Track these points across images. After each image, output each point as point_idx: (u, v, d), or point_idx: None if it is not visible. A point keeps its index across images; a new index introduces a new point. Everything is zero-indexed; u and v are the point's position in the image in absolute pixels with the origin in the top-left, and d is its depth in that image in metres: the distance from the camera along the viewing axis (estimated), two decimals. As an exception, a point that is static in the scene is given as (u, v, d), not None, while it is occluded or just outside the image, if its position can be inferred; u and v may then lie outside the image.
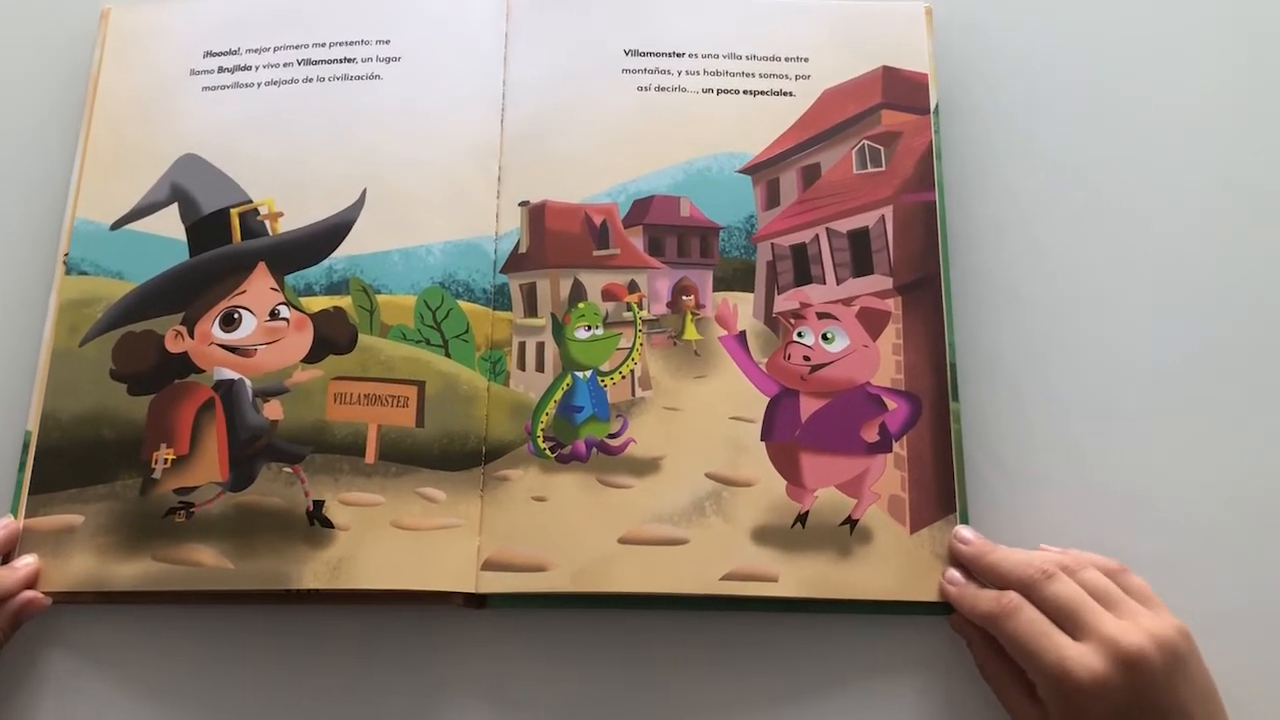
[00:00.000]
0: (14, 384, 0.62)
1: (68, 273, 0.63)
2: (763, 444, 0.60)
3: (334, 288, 0.63)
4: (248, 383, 0.61)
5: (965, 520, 0.59)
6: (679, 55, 0.67)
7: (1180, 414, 0.63)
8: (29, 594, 0.56)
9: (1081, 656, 0.50)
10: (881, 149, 0.65)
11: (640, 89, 0.67)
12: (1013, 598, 0.54)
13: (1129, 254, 0.66)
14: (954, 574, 0.57)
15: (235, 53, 0.67)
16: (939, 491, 0.60)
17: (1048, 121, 0.69)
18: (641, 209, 0.64)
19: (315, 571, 0.57)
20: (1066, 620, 0.52)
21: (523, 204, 0.64)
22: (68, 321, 0.62)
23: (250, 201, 0.64)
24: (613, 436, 0.60)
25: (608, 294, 0.63)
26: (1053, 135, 0.68)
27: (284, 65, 0.67)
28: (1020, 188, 0.67)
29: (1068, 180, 0.67)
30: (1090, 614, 0.52)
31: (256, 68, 0.67)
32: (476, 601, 0.58)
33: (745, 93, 0.67)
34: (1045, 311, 0.65)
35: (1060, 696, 0.51)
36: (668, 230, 0.64)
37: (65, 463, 0.60)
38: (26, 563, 0.57)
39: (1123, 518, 0.61)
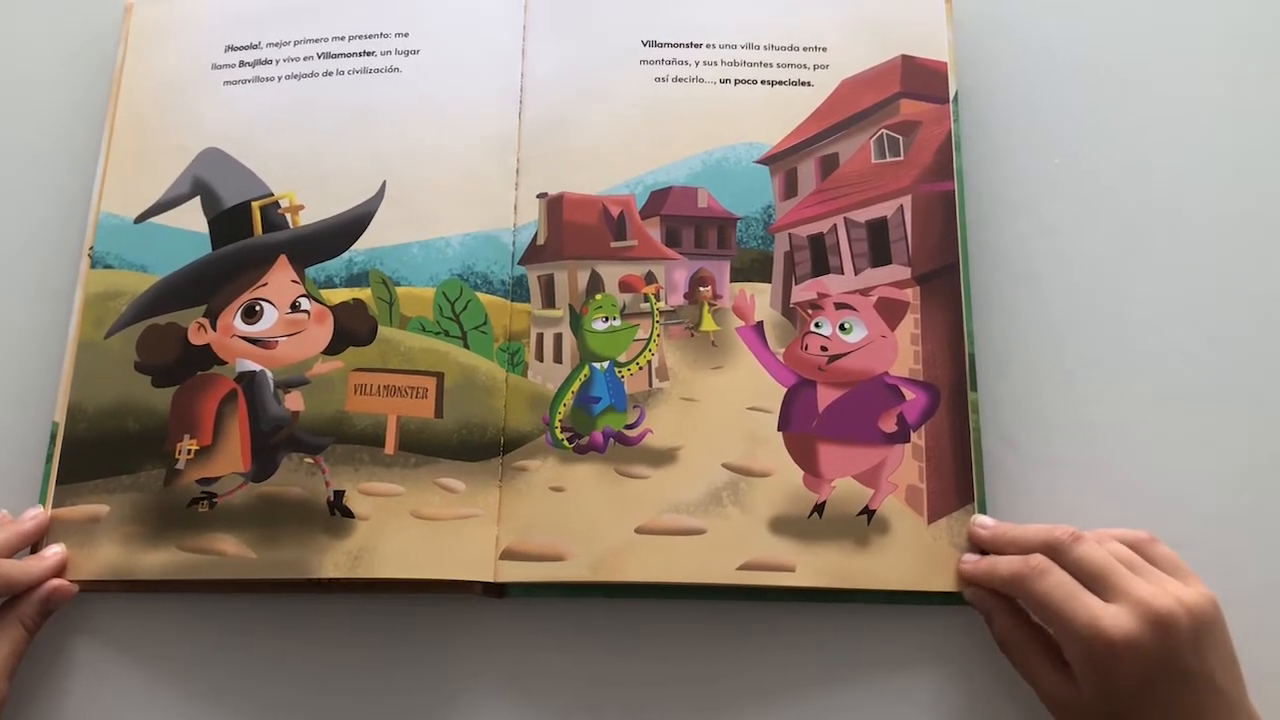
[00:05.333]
0: (41, 376, 0.63)
1: (93, 266, 0.64)
2: (780, 434, 0.60)
3: (354, 280, 0.63)
4: (269, 374, 0.61)
5: (984, 510, 0.59)
6: (696, 46, 0.67)
7: (1202, 401, 0.63)
8: (56, 582, 0.57)
9: (1114, 616, 0.50)
10: (900, 138, 0.65)
11: (658, 80, 0.66)
12: (1040, 560, 0.53)
13: (1148, 242, 0.66)
14: (971, 556, 0.57)
15: (256, 46, 0.68)
16: (957, 482, 0.59)
17: (1067, 110, 0.68)
18: (659, 200, 0.64)
19: (336, 561, 0.58)
20: (1095, 582, 0.52)
21: (541, 196, 0.64)
22: (93, 314, 0.63)
23: (271, 194, 0.65)
24: (630, 427, 0.61)
25: (625, 285, 0.63)
26: (1072, 124, 0.68)
27: (304, 59, 0.67)
28: (1039, 177, 0.67)
29: (1087, 169, 0.67)
30: (1120, 576, 0.52)
31: (277, 61, 0.67)
32: (495, 591, 0.58)
33: (763, 83, 0.66)
34: (1065, 301, 0.64)
35: (1090, 657, 0.51)
36: (685, 221, 0.64)
37: (91, 454, 0.61)
38: (54, 552, 0.58)
39: (1143, 507, 0.61)
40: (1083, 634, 0.51)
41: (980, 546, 0.58)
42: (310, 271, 0.63)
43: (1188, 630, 0.50)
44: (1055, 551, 0.54)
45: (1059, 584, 0.52)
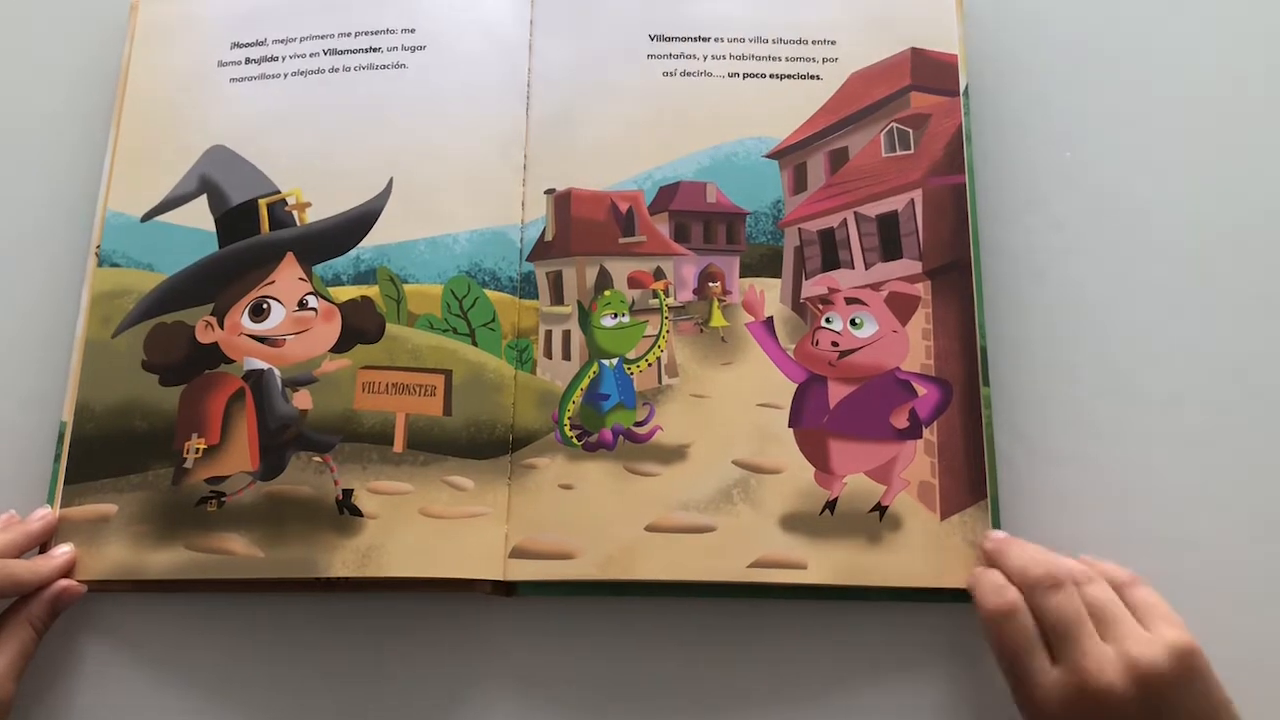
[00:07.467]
0: (48, 376, 0.63)
1: (99, 265, 0.64)
2: (790, 431, 0.60)
3: (361, 277, 0.63)
4: (277, 372, 0.61)
5: (995, 505, 0.58)
6: (704, 39, 0.67)
7: (1212, 396, 0.62)
8: (64, 582, 0.57)
9: (1052, 686, 0.51)
10: (910, 132, 0.64)
11: (666, 74, 0.66)
12: (1011, 599, 0.53)
13: (1159, 236, 0.65)
14: (981, 569, 0.57)
15: (262, 43, 0.68)
16: (969, 478, 0.59)
17: (1078, 104, 0.68)
18: (667, 195, 0.64)
19: (345, 560, 0.58)
20: (1056, 637, 0.51)
21: (548, 192, 0.64)
22: (100, 313, 0.63)
23: (278, 192, 0.64)
24: (639, 424, 0.60)
25: (634, 281, 0.63)
26: (1083, 118, 0.67)
27: (310, 55, 0.67)
28: (1050, 171, 0.66)
29: (1098, 164, 0.66)
30: (1077, 638, 0.51)
31: (283, 58, 0.67)
32: (504, 589, 0.58)
33: (772, 76, 0.66)
34: (1076, 296, 0.64)
35: (1028, 715, 0.52)
36: (694, 216, 0.64)
37: (99, 453, 0.60)
38: (63, 551, 0.58)
39: (1153, 503, 0.60)
40: (1021, 693, 0.52)
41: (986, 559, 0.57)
42: (318, 269, 0.63)
43: (1133, 699, 0.49)
44: (1032, 590, 0.53)
45: (1017, 633, 0.52)
